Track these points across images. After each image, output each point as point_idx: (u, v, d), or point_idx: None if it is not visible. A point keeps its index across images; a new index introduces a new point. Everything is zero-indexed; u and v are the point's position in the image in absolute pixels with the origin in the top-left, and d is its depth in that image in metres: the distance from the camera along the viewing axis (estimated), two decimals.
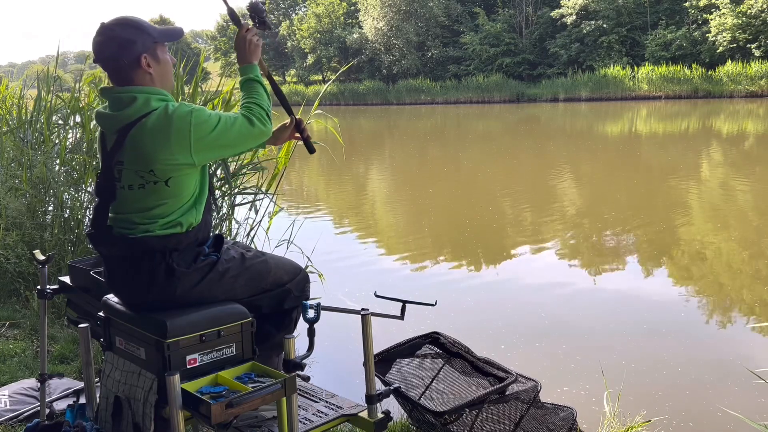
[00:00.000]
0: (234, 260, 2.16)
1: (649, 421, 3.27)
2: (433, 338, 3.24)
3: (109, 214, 2.06)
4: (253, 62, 2.24)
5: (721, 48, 33.15)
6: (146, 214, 2.01)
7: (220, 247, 2.19)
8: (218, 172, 4.68)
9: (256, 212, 4.90)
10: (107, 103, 2.07)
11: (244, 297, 2.19)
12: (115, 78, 2.04)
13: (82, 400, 2.73)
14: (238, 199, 4.94)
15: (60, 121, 5.74)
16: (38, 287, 2.79)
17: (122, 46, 1.99)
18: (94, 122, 5.26)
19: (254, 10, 2.28)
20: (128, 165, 1.98)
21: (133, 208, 2.02)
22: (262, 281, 2.24)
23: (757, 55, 31.65)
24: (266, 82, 2.24)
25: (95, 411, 2.33)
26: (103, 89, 2.08)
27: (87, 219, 4.99)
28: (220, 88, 5.32)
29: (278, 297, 2.30)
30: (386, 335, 4.11)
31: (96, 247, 2.17)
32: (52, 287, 2.79)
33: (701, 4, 34.53)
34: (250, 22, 2.32)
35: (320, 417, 2.31)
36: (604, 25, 37.22)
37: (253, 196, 4.91)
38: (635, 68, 35.13)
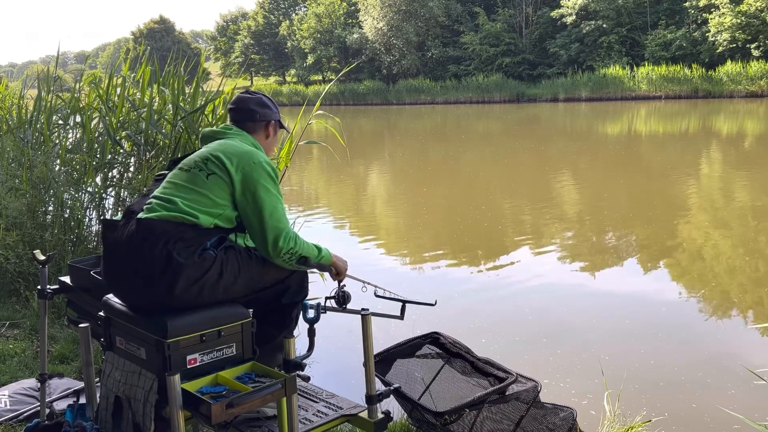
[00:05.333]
0: (231, 260, 2.15)
1: (649, 421, 3.27)
2: (433, 338, 3.24)
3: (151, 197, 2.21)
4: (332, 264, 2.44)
5: (720, 48, 33.16)
6: (179, 193, 2.17)
7: (219, 246, 2.19)
8: None
9: None
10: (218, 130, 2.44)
11: (243, 296, 2.19)
12: (239, 126, 2.42)
13: (82, 400, 2.74)
14: None
15: (60, 121, 5.74)
16: (38, 287, 2.80)
17: (262, 106, 2.47)
18: (94, 122, 5.28)
19: (342, 298, 2.56)
20: (195, 156, 2.28)
21: (173, 185, 2.20)
22: (261, 279, 2.24)
23: (757, 55, 31.68)
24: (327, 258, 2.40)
25: (95, 411, 2.33)
26: (226, 125, 2.45)
27: (87, 219, 4.99)
28: (221, 89, 5.32)
29: (277, 295, 2.30)
30: (386, 335, 4.11)
31: (106, 232, 2.20)
32: (52, 287, 2.79)
33: (701, 4, 34.55)
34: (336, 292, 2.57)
35: (320, 417, 2.31)
36: (604, 25, 37.25)
37: None
38: (635, 68, 35.13)
